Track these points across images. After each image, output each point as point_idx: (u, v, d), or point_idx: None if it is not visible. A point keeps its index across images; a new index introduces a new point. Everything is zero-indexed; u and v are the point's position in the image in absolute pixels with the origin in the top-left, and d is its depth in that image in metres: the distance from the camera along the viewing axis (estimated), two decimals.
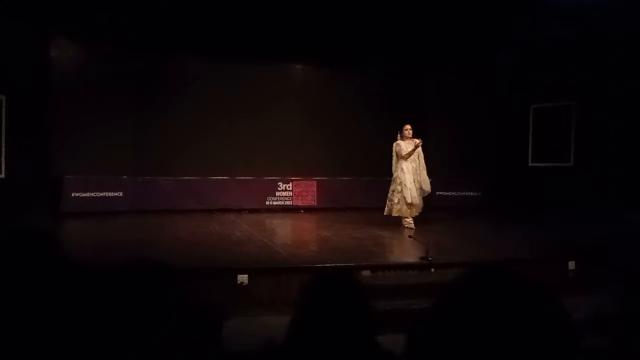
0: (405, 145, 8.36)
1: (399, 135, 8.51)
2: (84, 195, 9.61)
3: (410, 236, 6.92)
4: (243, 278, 5.22)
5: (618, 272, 5.04)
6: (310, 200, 11.29)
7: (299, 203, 11.22)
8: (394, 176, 8.40)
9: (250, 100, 10.90)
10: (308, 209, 11.09)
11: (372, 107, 11.48)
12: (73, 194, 9.48)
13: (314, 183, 11.32)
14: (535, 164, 10.78)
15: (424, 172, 8.43)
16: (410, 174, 8.24)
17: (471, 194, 11.33)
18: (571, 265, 6.05)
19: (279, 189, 11.14)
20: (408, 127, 8.46)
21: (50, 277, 1.37)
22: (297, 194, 11.25)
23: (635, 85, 8.96)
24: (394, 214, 8.30)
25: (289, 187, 11.20)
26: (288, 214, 10.74)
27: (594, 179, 9.26)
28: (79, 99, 9.60)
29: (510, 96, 10.97)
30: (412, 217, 8.26)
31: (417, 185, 8.26)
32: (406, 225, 8.20)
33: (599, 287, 4.76)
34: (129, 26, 9.35)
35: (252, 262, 5.80)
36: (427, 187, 8.42)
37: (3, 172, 8.77)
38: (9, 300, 1.32)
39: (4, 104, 8.78)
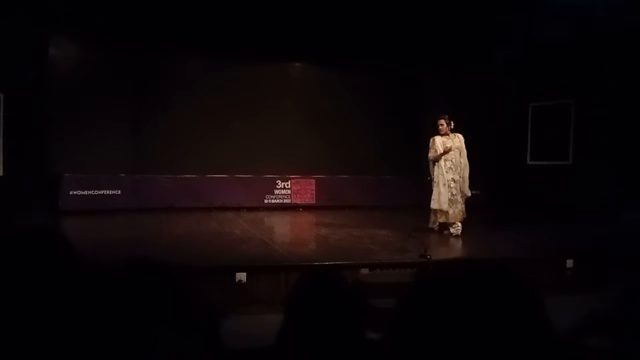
0: (441, 141, 7.28)
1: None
2: (83, 193, 9.59)
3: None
4: (241, 276, 5.22)
5: (617, 271, 5.05)
6: (309, 198, 11.28)
7: (298, 201, 11.22)
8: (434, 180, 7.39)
9: (249, 98, 10.88)
10: (307, 207, 11.09)
11: (371, 105, 11.48)
12: (71, 192, 9.47)
13: (313, 181, 11.31)
14: (534, 163, 10.79)
15: (466, 172, 7.34)
16: (445, 174, 7.23)
17: (470, 192, 11.29)
18: (569, 263, 6.05)
19: (277, 187, 11.13)
20: (441, 121, 7.32)
21: (61, 276, 1.37)
22: (295, 192, 11.24)
23: (634, 84, 8.96)
24: (430, 225, 7.51)
25: (287, 185, 11.19)
26: (287, 212, 10.73)
27: (592, 178, 9.26)
28: (78, 97, 9.57)
29: (509, 95, 10.96)
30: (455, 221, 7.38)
31: (455, 187, 7.29)
32: (433, 227, 7.47)
33: (597, 285, 4.77)
34: (128, 25, 9.33)
35: (250, 260, 5.79)
36: (465, 189, 7.35)
37: (1, 170, 8.76)
38: (18, 298, 1.32)
39: (2, 102, 8.76)
